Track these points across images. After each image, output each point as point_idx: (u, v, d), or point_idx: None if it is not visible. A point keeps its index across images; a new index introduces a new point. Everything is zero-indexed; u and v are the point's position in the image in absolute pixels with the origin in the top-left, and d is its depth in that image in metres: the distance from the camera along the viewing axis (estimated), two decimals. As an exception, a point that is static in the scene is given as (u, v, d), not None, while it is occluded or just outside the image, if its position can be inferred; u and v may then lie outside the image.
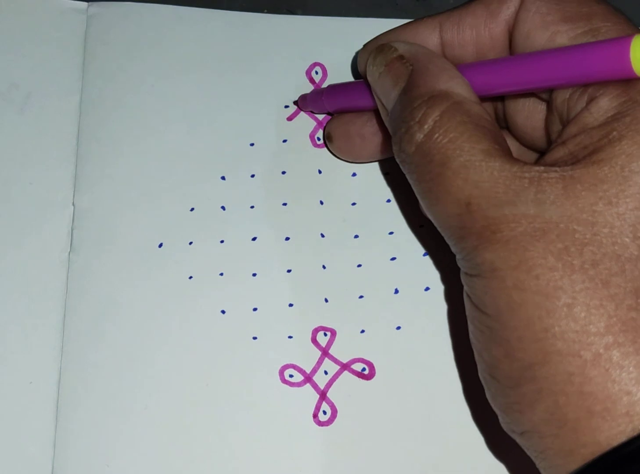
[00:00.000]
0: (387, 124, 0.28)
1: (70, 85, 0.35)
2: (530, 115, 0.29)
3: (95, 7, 0.36)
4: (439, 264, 0.33)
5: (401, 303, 0.33)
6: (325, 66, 0.36)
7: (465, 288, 0.26)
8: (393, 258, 0.34)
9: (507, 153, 0.24)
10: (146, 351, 0.32)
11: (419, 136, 0.25)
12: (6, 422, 0.31)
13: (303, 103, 0.34)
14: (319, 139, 0.35)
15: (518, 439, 0.25)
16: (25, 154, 0.34)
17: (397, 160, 0.27)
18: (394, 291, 0.33)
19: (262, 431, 0.32)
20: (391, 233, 0.34)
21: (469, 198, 0.24)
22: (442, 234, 0.26)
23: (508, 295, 0.23)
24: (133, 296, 0.33)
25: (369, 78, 0.29)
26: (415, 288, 0.33)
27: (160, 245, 0.34)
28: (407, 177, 0.26)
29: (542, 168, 0.24)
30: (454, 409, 0.32)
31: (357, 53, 0.31)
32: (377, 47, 0.29)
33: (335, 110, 0.33)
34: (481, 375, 0.26)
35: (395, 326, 0.33)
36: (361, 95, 0.31)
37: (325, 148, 0.35)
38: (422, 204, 0.26)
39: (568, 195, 0.23)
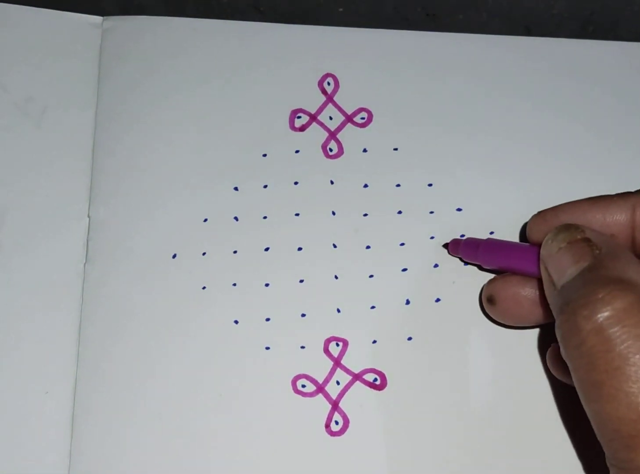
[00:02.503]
0: (550, 299, 0.27)
1: (86, 99, 0.35)
2: None
3: (110, 21, 0.36)
4: (449, 276, 0.34)
5: (412, 313, 0.33)
6: (338, 77, 0.36)
7: None
8: (404, 269, 0.34)
9: None
10: (160, 361, 0.33)
11: (601, 316, 0.23)
12: (23, 432, 0.32)
13: (454, 248, 0.33)
14: (330, 150, 0.35)
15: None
16: (41, 167, 0.35)
17: (558, 332, 0.24)
18: (405, 302, 0.33)
19: (274, 441, 0.32)
20: (402, 244, 0.34)
21: None
22: (599, 434, 0.24)
23: None
24: (147, 307, 0.33)
25: (544, 251, 0.28)
26: (426, 299, 0.33)
27: (174, 256, 0.34)
28: (567, 354, 0.24)
29: None
30: (464, 420, 0.32)
31: (530, 221, 0.30)
32: (563, 225, 0.27)
33: (490, 267, 0.32)
34: None
35: (407, 337, 0.33)
36: (528, 260, 0.29)
37: (337, 160, 0.35)
38: (583, 395, 0.24)
39: None
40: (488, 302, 0.31)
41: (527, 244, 0.31)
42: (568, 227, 0.27)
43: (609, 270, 0.24)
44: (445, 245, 0.34)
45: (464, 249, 0.33)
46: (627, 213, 0.28)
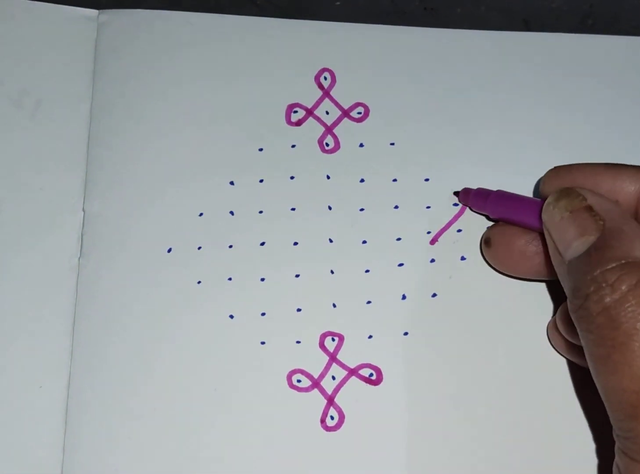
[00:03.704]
0: (559, 270, 0.28)
1: (81, 92, 0.35)
2: None
3: (105, 15, 0.36)
4: (446, 271, 0.33)
5: (409, 308, 0.33)
6: (334, 72, 0.36)
7: (618, 463, 0.25)
8: (401, 264, 0.34)
9: None
10: (155, 355, 0.33)
11: (609, 299, 0.24)
12: (16, 426, 0.32)
13: (464, 197, 0.34)
14: (327, 145, 0.35)
15: None
16: (36, 160, 0.35)
17: (571, 313, 0.26)
18: (401, 297, 0.33)
19: (269, 436, 0.32)
20: (399, 239, 0.34)
21: None
22: (606, 405, 0.25)
23: None
24: (142, 301, 0.33)
25: (544, 216, 0.28)
26: (422, 294, 0.33)
27: (169, 250, 0.34)
28: (581, 333, 0.25)
29: None
30: (460, 415, 0.32)
31: (544, 176, 0.31)
32: (564, 189, 0.28)
33: (497, 218, 0.33)
34: None
35: (403, 332, 0.33)
36: (534, 216, 0.30)
37: (334, 154, 0.35)
38: (592, 368, 0.25)
39: None
40: (485, 244, 0.33)
41: (536, 198, 0.31)
42: (569, 193, 0.27)
43: (614, 250, 0.25)
44: (456, 193, 0.34)
45: (474, 198, 0.33)
46: (636, 184, 0.28)
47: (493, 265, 0.33)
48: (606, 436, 0.26)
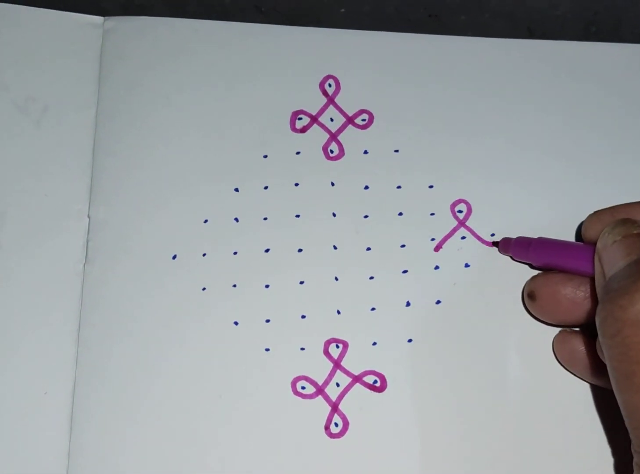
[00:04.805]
0: (599, 290, 0.28)
1: (86, 99, 0.35)
2: None
3: (111, 22, 0.36)
4: (450, 278, 0.33)
5: (413, 315, 0.33)
6: (339, 79, 0.36)
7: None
8: (405, 271, 0.34)
9: None
10: (160, 362, 0.33)
11: (639, 307, 0.24)
12: (21, 432, 0.32)
13: (504, 246, 0.33)
14: (331, 152, 0.35)
15: None
16: (41, 166, 0.35)
17: (597, 319, 0.25)
18: (405, 303, 0.33)
19: (273, 443, 0.32)
20: (403, 246, 0.34)
21: None
22: (626, 421, 0.25)
23: None
24: (147, 308, 0.33)
25: (599, 244, 0.28)
26: (426, 301, 0.33)
27: (174, 257, 0.34)
28: (603, 342, 0.25)
29: None
30: (464, 422, 0.32)
31: (586, 220, 0.31)
32: (621, 219, 0.28)
33: (540, 265, 0.33)
34: None
35: (407, 339, 0.33)
36: (580, 258, 0.30)
37: (338, 161, 0.35)
38: (615, 383, 0.25)
39: None
40: (529, 298, 0.32)
41: (580, 243, 0.31)
42: (625, 222, 0.28)
43: None
44: (495, 243, 0.34)
45: (515, 247, 0.33)
46: None
47: (539, 317, 0.32)
48: (625, 449, 0.26)
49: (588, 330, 0.31)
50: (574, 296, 0.30)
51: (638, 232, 0.27)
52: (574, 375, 0.32)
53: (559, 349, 0.32)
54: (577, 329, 0.32)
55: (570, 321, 0.32)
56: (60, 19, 0.36)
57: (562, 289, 0.31)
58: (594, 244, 0.29)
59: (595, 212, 0.30)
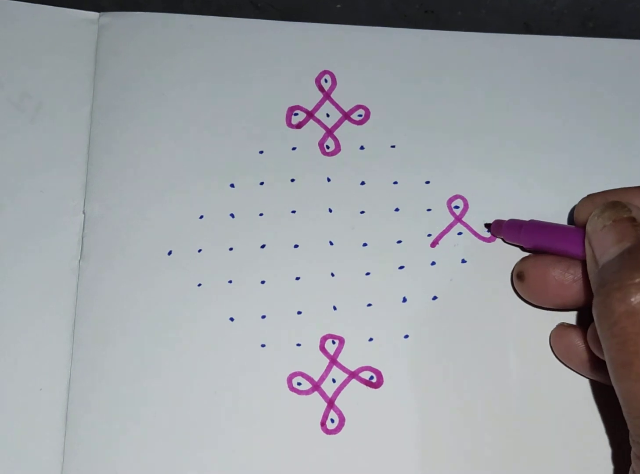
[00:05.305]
0: (591, 276, 0.27)
1: (82, 95, 0.35)
2: None
3: (106, 17, 0.36)
4: (446, 273, 0.33)
5: (409, 311, 0.33)
6: (335, 74, 0.36)
7: (635, 469, 0.26)
8: (401, 267, 0.34)
9: None
10: (155, 358, 0.32)
11: (635, 299, 0.24)
12: (16, 429, 0.32)
13: (496, 229, 0.33)
14: (327, 147, 0.35)
15: None
16: (37, 162, 0.35)
17: (594, 311, 0.25)
18: (402, 299, 0.33)
19: (269, 439, 0.32)
20: (399, 241, 0.34)
21: None
22: (624, 410, 0.25)
23: None
24: (142, 304, 0.33)
25: (589, 227, 0.28)
26: (423, 296, 0.33)
27: (170, 253, 0.34)
28: (601, 334, 0.25)
29: None
30: (461, 418, 0.32)
31: (579, 203, 0.31)
32: (610, 202, 0.28)
33: (531, 247, 0.33)
34: None
35: (403, 335, 0.33)
36: (571, 241, 0.30)
37: (334, 157, 0.35)
38: (613, 373, 0.25)
39: None
40: (517, 278, 0.32)
41: (571, 226, 0.31)
42: (615, 205, 0.27)
43: None
44: (487, 225, 0.34)
45: (507, 229, 0.33)
46: None
47: (527, 299, 0.32)
48: (622, 441, 0.26)
49: (582, 325, 0.31)
50: (562, 278, 0.31)
51: (628, 215, 0.27)
52: (571, 369, 0.32)
53: (555, 343, 0.32)
54: (574, 324, 0.32)
55: (557, 304, 0.32)
56: (55, 14, 0.36)
57: (551, 270, 0.31)
58: (585, 227, 0.29)
59: (589, 195, 0.30)
